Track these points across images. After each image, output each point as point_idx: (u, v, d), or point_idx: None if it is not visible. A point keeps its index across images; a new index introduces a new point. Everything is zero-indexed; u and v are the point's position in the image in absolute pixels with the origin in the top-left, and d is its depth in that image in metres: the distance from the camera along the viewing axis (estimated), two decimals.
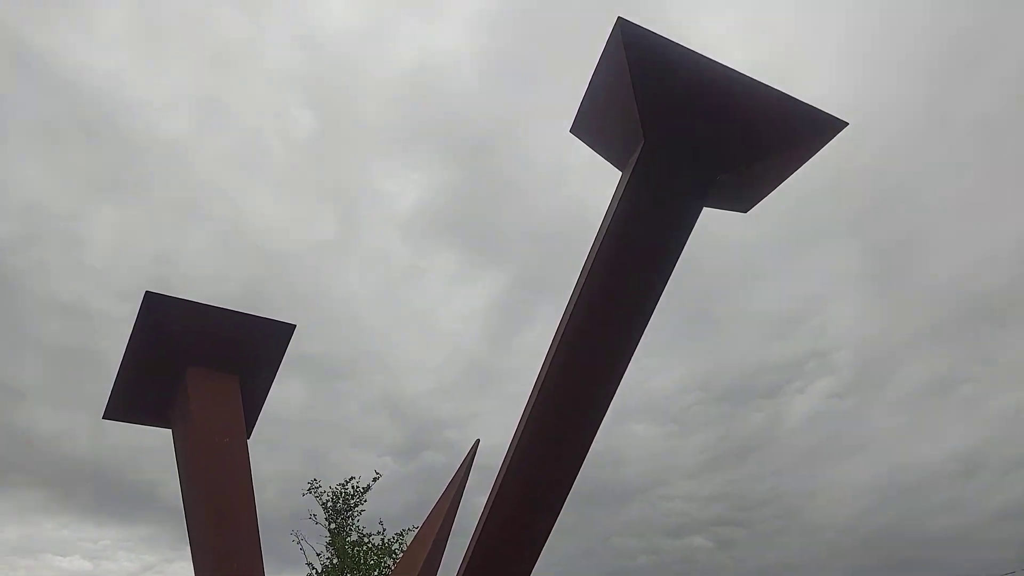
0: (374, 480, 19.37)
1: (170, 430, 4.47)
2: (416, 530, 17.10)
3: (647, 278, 3.24)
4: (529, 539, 3.23)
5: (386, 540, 18.40)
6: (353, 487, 19.27)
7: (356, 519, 18.96)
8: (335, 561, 18.03)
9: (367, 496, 19.28)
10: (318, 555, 18.50)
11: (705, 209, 3.28)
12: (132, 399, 4.37)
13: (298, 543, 18.37)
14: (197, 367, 4.20)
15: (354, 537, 18.48)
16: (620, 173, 3.29)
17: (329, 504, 19.01)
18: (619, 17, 2.90)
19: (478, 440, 4.86)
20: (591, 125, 3.44)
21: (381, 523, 18.85)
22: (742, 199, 3.53)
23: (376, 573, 17.70)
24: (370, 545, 18.23)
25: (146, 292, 4.06)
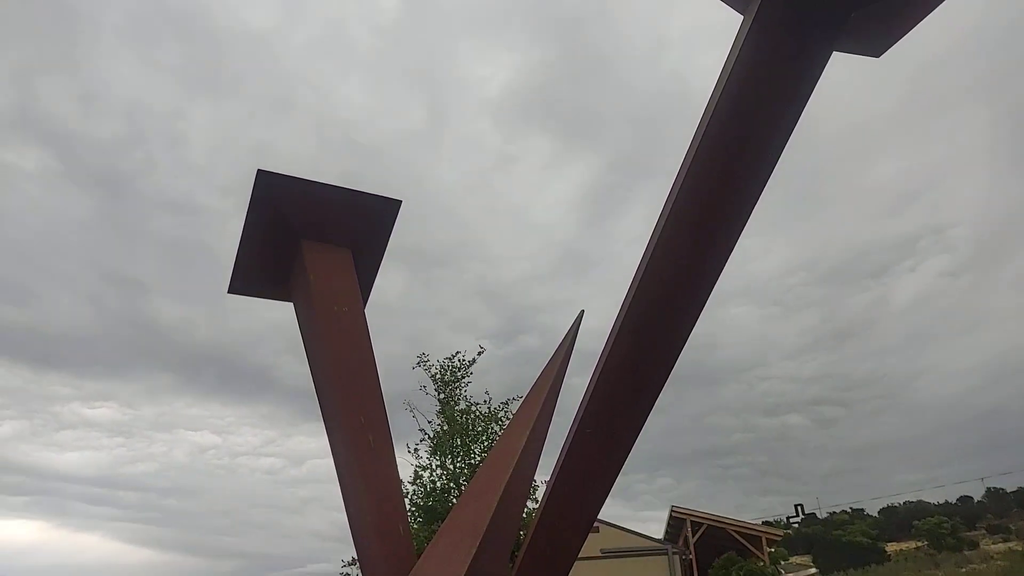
0: (479, 354, 20.22)
1: (291, 304, 4.74)
2: (520, 399, 17.96)
3: (766, 141, 3.01)
4: (630, 416, 3.27)
5: (492, 408, 19.43)
6: (460, 360, 20.23)
7: (463, 390, 20.02)
8: (445, 427, 19.25)
9: (472, 370, 20.23)
10: (429, 422, 19.83)
11: (822, 75, 2.96)
12: (253, 273, 4.63)
13: (411, 412, 19.67)
14: (311, 241, 4.38)
15: (462, 406, 19.59)
16: (738, 21, 3.00)
17: (438, 376, 20.09)
18: None
19: (583, 311, 4.85)
20: None
21: (487, 392, 19.87)
22: (875, 40, 3.16)
23: (484, 438, 18.86)
24: (477, 413, 19.32)
25: (258, 170, 4.20)
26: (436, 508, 17.82)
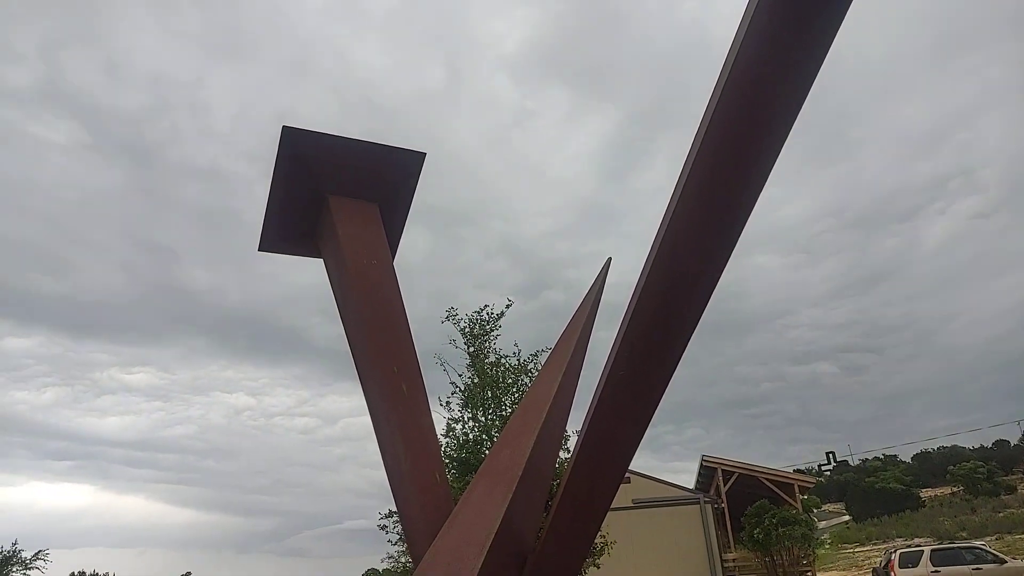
0: (507, 307, 20.30)
1: (322, 260, 4.78)
2: (549, 351, 17.95)
3: (793, 77, 2.90)
4: (660, 363, 3.25)
5: (522, 360, 19.58)
6: (488, 313, 20.34)
7: (492, 343, 20.17)
8: (476, 380, 19.47)
9: (500, 323, 20.33)
10: (459, 375, 20.07)
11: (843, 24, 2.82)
12: (282, 230, 4.67)
13: (441, 365, 19.91)
14: (338, 196, 4.39)
15: (492, 359, 19.77)
16: None
17: (467, 330, 20.25)
18: None
19: (610, 258, 4.81)
20: None
21: (516, 345, 20.00)
22: None
23: (514, 389, 19.07)
24: (507, 365, 19.48)
25: (283, 127, 4.20)
26: (469, 460, 18.17)
